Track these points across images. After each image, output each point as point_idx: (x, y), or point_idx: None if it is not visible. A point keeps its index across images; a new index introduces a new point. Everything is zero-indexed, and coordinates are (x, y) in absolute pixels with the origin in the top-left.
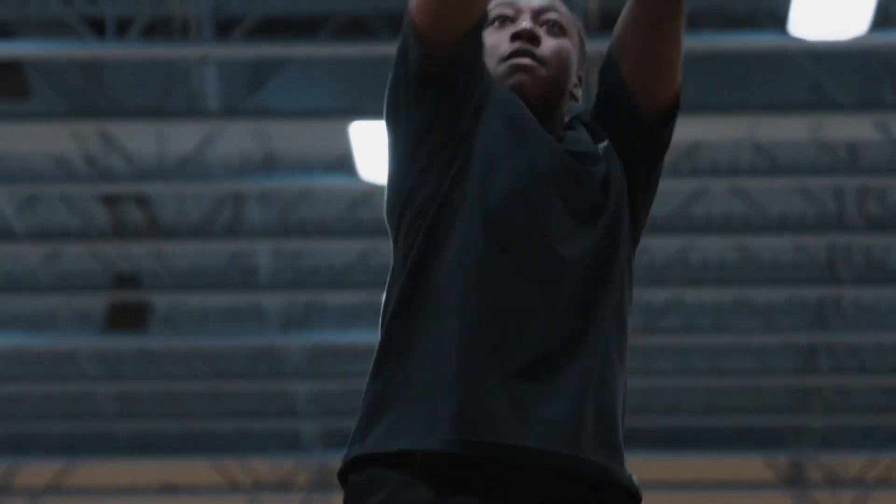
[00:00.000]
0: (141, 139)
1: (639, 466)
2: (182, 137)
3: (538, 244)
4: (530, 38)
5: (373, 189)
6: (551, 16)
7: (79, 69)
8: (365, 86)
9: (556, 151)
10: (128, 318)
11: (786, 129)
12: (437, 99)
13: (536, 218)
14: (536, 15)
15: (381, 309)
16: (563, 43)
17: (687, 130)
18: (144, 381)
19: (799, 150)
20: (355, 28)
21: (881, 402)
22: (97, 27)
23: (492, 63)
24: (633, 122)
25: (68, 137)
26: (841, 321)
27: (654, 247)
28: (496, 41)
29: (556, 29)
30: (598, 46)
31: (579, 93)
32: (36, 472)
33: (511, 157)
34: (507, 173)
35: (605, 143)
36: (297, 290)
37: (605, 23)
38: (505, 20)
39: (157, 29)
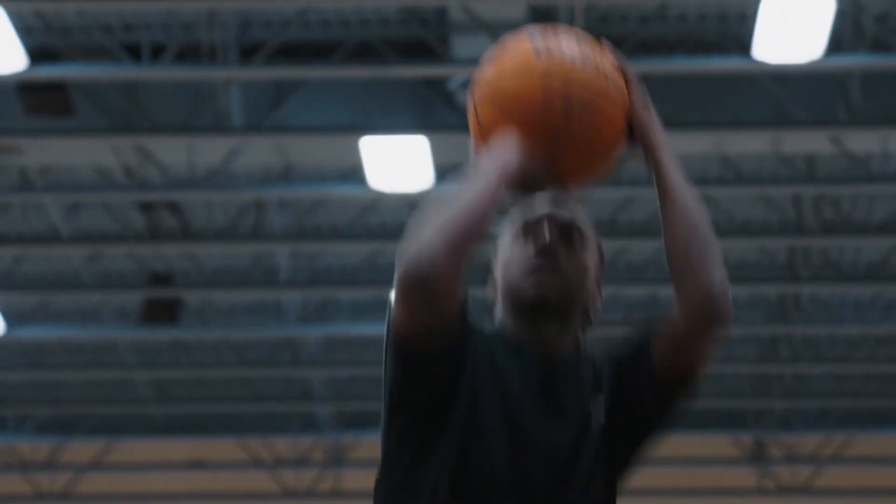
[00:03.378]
0: (173, 152)
1: None
2: (210, 151)
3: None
4: (553, 252)
5: (380, 197)
6: (576, 236)
7: (118, 89)
8: (373, 104)
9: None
10: (162, 312)
11: (749, 144)
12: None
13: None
14: (560, 232)
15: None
16: (585, 259)
17: None
18: (177, 368)
19: (761, 162)
20: (364, 53)
21: (834, 387)
22: (134, 52)
23: (513, 275)
24: (644, 383)
25: (108, 151)
26: (799, 315)
27: (632, 248)
28: (518, 255)
29: (580, 247)
30: None
31: (598, 306)
32: (80, 450)
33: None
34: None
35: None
36: (312, 287)
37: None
38: (528, 235)
39: (188, 54)
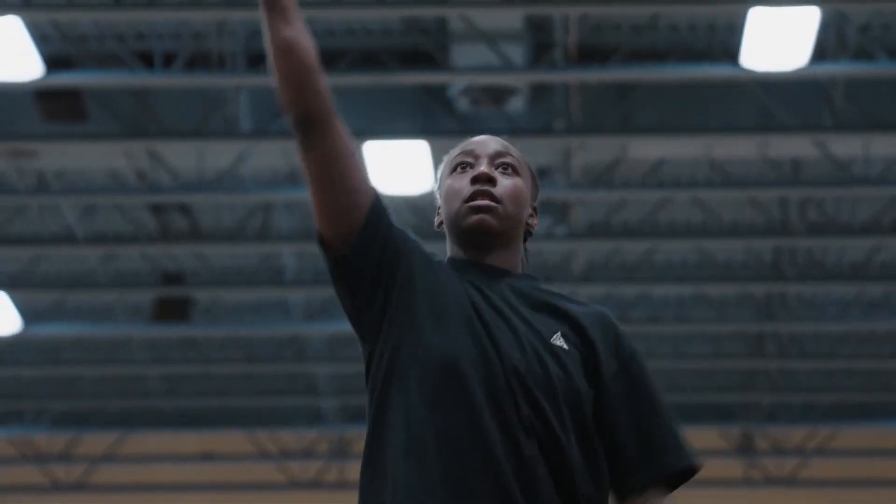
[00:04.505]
0: (184, 156)
1: None
2: (219, 155)
3: (468, 406)
4: (488, 179)
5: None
6: (506, 159)
7: (130, 96)
8: (375, 111)
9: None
10: (173, 310)
11: (737, 148)
12: (355, 287)
13: (464, 383)
14: (492, 159)
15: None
16: (517, 182)
17: (653, 149)
18: (187, 364)
19: (749, 165)
20: (367, 61)
21: (819, 382)
22: (146, 60)
23: (455, 204)
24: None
25: (121, 155)
26: (785, 313)
27: (624, 249)
28: (458, 185)
29: (511, 170)
30: (577, 77)
31: (535, 222)
32: (94, 442)
33: (438, 335)
34: (437, 344)
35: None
36: (317, 286)
37: (582, 56)
38: (465, 166)
39: (198, 61)
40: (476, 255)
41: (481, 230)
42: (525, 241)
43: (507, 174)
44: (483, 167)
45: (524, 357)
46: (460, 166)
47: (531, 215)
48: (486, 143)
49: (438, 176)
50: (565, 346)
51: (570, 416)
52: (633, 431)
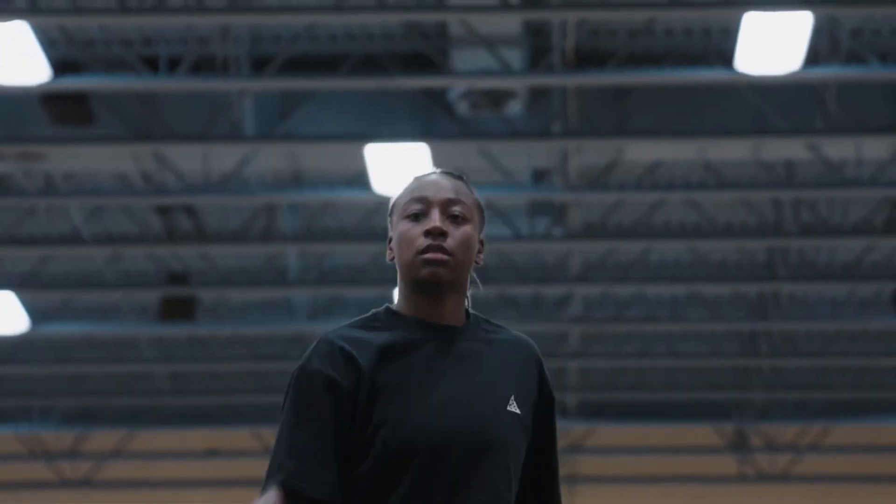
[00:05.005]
0: (189, 159)
1: (608, 435)
2: (224, 157)
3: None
4: (440, 234)
5: (385, 201)
6: (456, 209)
7: (136, 100)
8: (377, 114)
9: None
10: (179, 309)
11: (731, 150)
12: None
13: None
14: (444, 208)
15: None
16: (467, 230)
17: (648, 152)
18: (193, 362)
19: (742, 168)
20: (369, 65)
21: (811, 380)
22: (152, 64)
23: (408, 254)
24: None
25: (128, 157)
26: (778, 312)
27: (620, 249)
28: (412, 235)
29: (461, 218)
30: (574, 80)
31: (481, 257)
32: (101, 439)
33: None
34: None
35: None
36: (321, 286)
37: (579, 60)
38: (418, 214)
39: (203, 66)
40: (426, 301)
41: (433, 282)
42: (470, 285)
43: (458, 223)
44: (436, 220)
45: (483, 419)
46: (413, 213)
47: (479, 251)
48: (438, 188)
49: (391, 208)
50: (518, 412)
51: (514, 475)
52: (542, 484)
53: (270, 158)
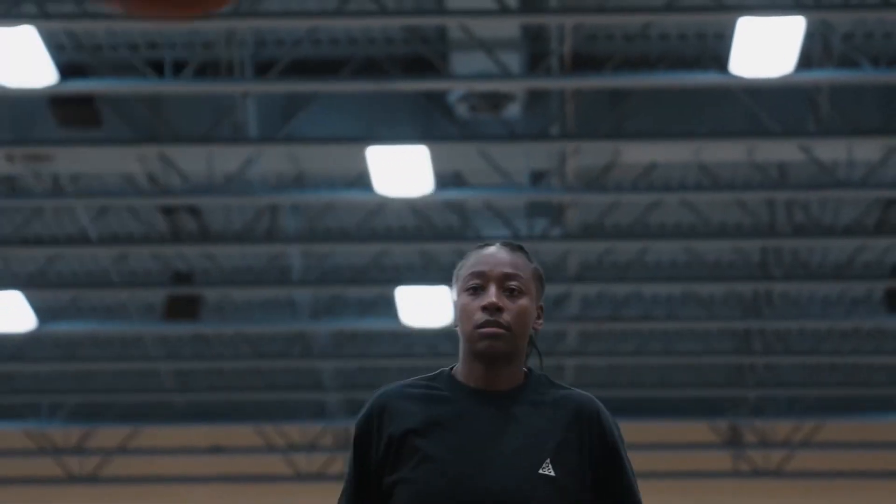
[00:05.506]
0: (194, 160)
1: None
2: (228, 159)
3: None
4: (496, 309)
5: (385, 201)
6: (513, 283)
7: (142, 102)
8: (378, 116)
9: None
10: (183, 308)
11: (726, 152)
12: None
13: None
14: (500, 283)
15: None
16: (523, 304)
17: (645, 153)
18: (197, 360)
19: (737, 169)
20: (370, 68)
21: (804, 377)
22: (158, 68)
23: (468, 327)
24: None
25: (134, 159)
26: (771, 311)
27: (617, 249)
28: (471, 309)
29: (518, 293)
30: (572, 84)
31: (540, 323)
32: (108, 435)
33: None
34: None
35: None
36: (323, 285)
37: (577, 64)
38: (477, 288)
39: (207, 70)
40: (483, 370)
41: (490, 354)
42: (528, 353)
43: (514, 297)
44: (492, 295)
45: (508, 486)
46: (472, 287)
47: (538, 317)
48: (496, 262)
49: (454, 277)
50: (552, 474)
51: None
52: None
53: (273, 160)
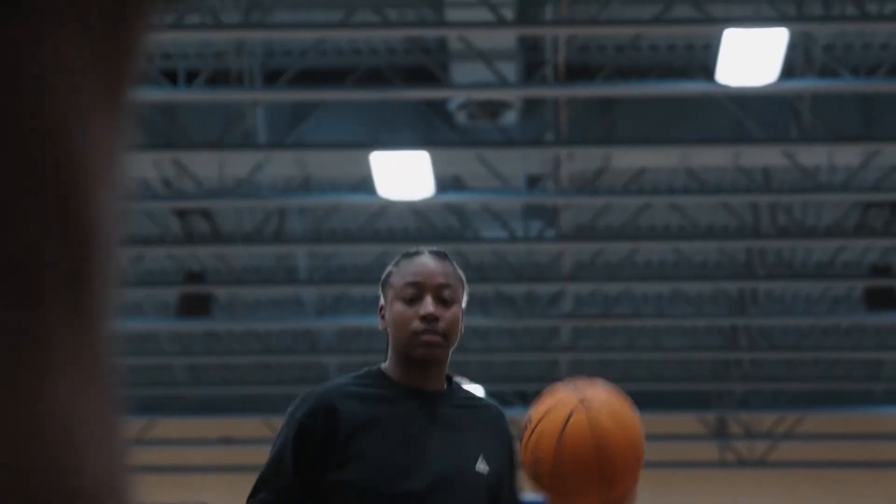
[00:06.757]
0: (206, 165)
1: None
2: (238, 164)
3: None
4: (434, 318)
5: (388, 204)
6: (446, 293)
7: (157, 110)
8: (381, 123)
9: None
10: (196, 306)
11: (712, 158)
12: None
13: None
14: (435, 293)
15: None
16: (456, 311)
17: (635, 159)
18: (209, 355)
19: (723, 173)
20: (374, 78)
21: (787, 372)
22: (171, 77)
23: (404, 333)
24: None
25: (149, 164)
26: (756, 308)
27: (609, 250)
28: (407, 316)
29: (450, 302)
30: (566, 92)
31: (462, 325)
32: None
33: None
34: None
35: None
36: (328, 284)
37: (570, 73)
38: (413, 298)
39: (219, 79)
40: (416, 372)
41: (427, 360)
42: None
43: (447, 306)
44: (429, 306)
45: (450, 481)
46: (408, 297)
47: (461, 332)
48: (431, 273)
49: (384, 283)
50: (486, 470)
51: None
52: None
53: (281, 165)
